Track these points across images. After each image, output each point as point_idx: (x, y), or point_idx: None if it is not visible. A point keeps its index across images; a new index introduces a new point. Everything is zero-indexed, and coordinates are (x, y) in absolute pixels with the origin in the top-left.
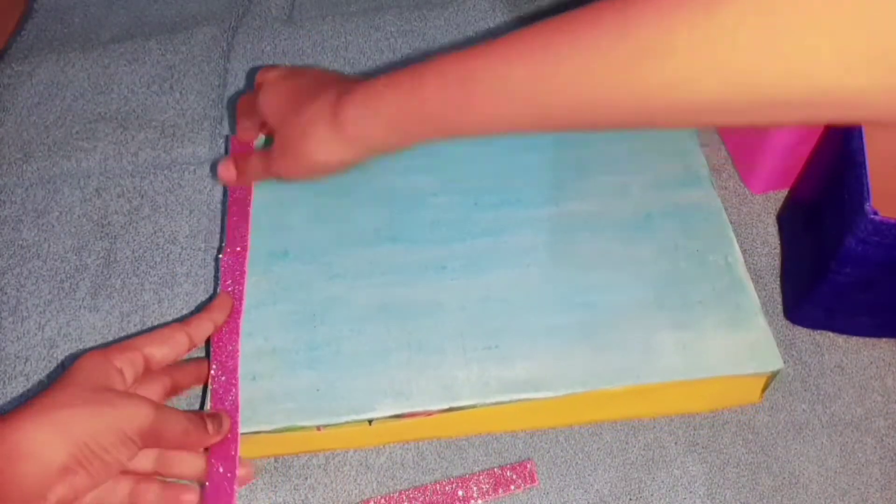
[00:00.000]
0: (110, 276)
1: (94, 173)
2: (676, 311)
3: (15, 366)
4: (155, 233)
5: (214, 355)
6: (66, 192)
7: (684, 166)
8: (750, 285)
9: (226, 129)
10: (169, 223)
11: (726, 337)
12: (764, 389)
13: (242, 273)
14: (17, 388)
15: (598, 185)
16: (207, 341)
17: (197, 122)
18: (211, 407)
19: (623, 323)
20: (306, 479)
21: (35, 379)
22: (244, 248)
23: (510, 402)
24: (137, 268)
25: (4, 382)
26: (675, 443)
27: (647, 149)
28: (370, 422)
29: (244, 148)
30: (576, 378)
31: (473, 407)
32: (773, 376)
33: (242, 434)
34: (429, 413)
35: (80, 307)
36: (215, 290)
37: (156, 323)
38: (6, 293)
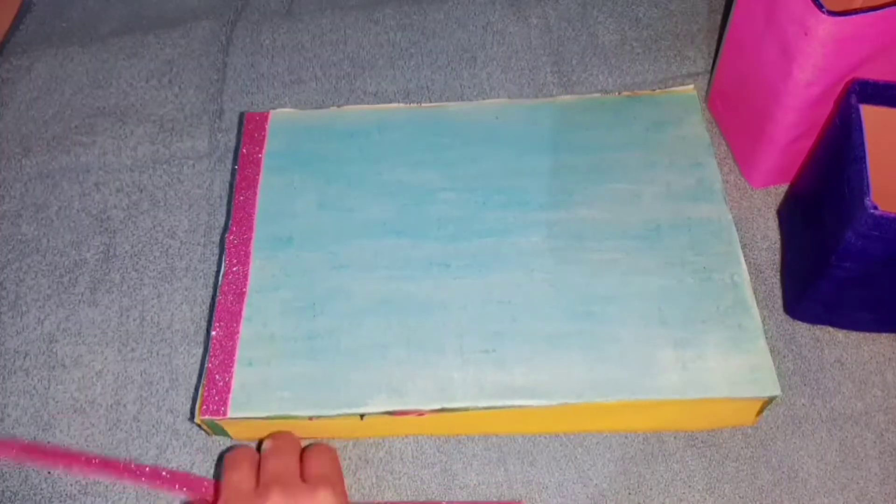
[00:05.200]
0: (109, 271)
1: (92, 168)
2: (678, 328)
3: (14, 360)
4: (154, 227)
5: (215, 335)
6: (64, 187)
7: (698, 179)
8: (754, 307)
9: (224, 123)
10: (168, 217)
11: (726, 359)
12: (759, 413)
13: (248, 254)
14: (16, 383)
15: (608, 192)
16: (209, 322)
17: (196, 116)
18: (204, 388)
19: (624, 336)
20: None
21: (35, 374)
22: (250, 230)
23: (504, 407)
24: (137, 262)
25: (4, 377)
26: (674, 437)
27: (661, 159)
28: (362, 416)
29: (259, 124)
30: (571, 389)
31: (466, 409)
32: (769, 401)
33: (234, 418)
34: (421, 412)
35: (80, 302)
36: (219, 270)
37: (155, 318)
38: (5, 288)
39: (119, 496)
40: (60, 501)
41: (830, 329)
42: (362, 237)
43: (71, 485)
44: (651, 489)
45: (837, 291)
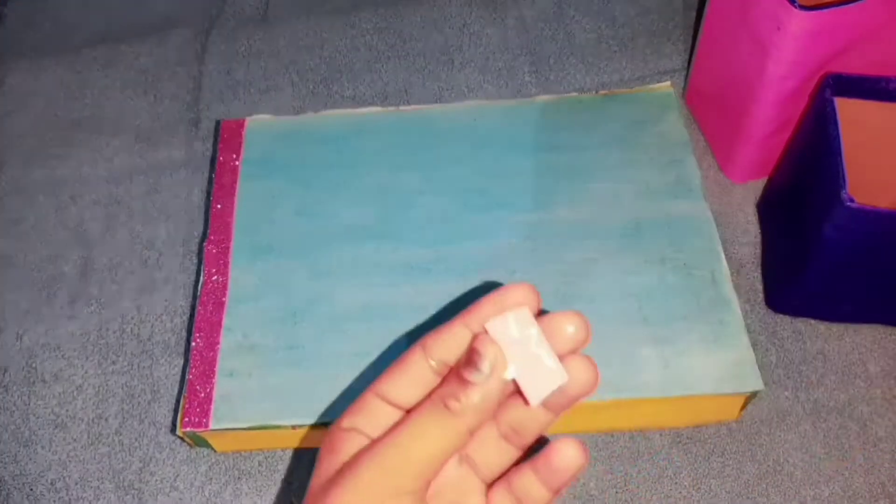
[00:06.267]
0: (88, 284)
1: (68, 181)
2: (660, 325)
3: None
4: (132, 239)
5: (195, 346)
6: (41, 201)
7: (677, 176)
8: (735, 302)
9: (201, 132)
10: (146, 229)
11: (708, 354)
12: (743, 408)
13: (227, 264)
14: None
15: (588, 191)
16: (189, 332)
17: (172, 125)
18: (185, 400)
19: (606, 335)
20: (291, 483)
21: (14, 390)
22: (228, 239)
23: None
24: (115, 275)
25: None
26: (660, 435)
27: (640, 157)
28: None
29: (236, 132)
30: None
31: None
32: (752, 396)
33: (216, 430)
34: None
35: (59, 316)
36: (198, 280)
37: (135, 330)
38: None
39: None
40: None
41: (812, 321)
42: (342, 243)
43: None
44: (638, 487)
45: (818, 284)
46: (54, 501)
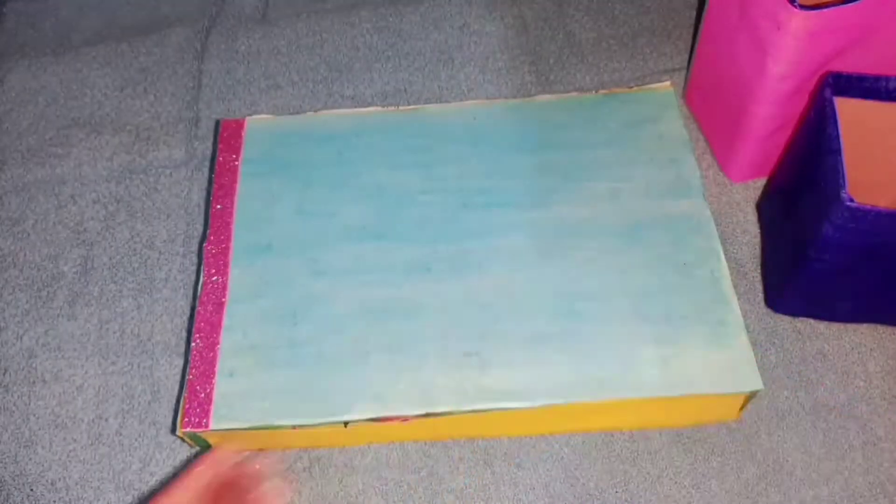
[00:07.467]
0: (88, 284)
1: (68, 180)
2: (660, 324)
3: None
4: (132, 238)
5: (195, 346)
6: (40, 200)
7: (677, 175)
8: (735, 302)
9: (201, 131)
10: (146, 228)
11: (708, 354)
12: (742, 408)
13: (226, 263)
14: None
15: (588, 190)
16: (189, 332)
17: (171, 124)
18: (185, 401)
19: (605, 334)
20: (291, 483)
21: (15, 390)
22: (228, 239)
23: (488, 410)
24: (115, 274)
25: None
26: (660, 434)
27: (640, 156)
28: (346, 424)
29: (235, 131)
30: (554, 389)
31: (451, 414)
32: (751, 395)
33: (216, 430)
34: (405, 418)
35: (58, 316)
36: (198, 279)
37: (135, 330)
38: None
39: None
40: None
41: (812, 321)
42: (342, 242)
43: None
44: (638, 486)
45: (817, 283)
46: (54, 502)
